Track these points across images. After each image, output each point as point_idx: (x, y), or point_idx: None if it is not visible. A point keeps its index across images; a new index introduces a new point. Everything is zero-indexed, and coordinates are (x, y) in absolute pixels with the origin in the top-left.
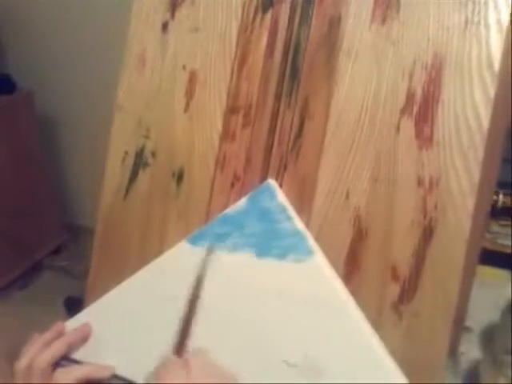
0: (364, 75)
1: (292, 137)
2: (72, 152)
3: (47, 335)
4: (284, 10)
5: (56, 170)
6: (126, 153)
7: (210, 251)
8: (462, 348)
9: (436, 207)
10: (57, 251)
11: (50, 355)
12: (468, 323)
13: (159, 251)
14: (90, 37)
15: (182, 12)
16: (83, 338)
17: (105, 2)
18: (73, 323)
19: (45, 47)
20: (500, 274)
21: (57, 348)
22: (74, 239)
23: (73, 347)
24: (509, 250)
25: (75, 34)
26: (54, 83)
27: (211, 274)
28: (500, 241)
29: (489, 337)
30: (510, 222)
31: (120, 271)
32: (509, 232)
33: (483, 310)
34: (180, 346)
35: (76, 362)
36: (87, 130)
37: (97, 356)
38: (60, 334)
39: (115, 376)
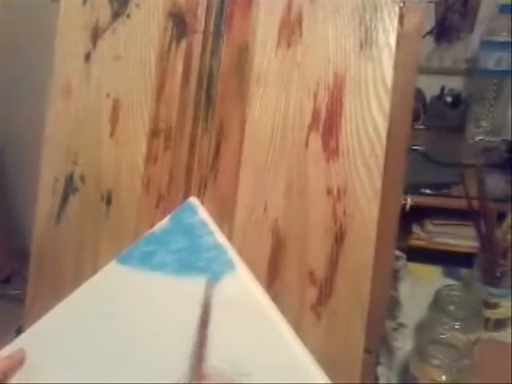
0: (273, 97)
1: (210, 158)
2: (21, 177)
3: None
4: (197, 40)
5: (4, 195)
6: (56, 179)
7: (210, 281)
8: (398, 343)
9: (345, 214)
10: (7, 280)
11: None
12: (402, 320)
13: (93, 272)
14: (34, 65)
15: (104, 42)
16: (18, 363)
17: (47, 31)
18: (8, 350)
19: None
20: (435, 270)
21: None
22: (26, 265)
23: (7, 374)
24: (443, 247)
25: (19, 61)
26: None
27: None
28: (436, 239)
29: (419, 330)
30: (443, 222)
31: (56, 295)
32: (443, 230)
33: (417, 307)
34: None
35: None
36: (35, 156)
37: (33, 380)
38: None
39: None
